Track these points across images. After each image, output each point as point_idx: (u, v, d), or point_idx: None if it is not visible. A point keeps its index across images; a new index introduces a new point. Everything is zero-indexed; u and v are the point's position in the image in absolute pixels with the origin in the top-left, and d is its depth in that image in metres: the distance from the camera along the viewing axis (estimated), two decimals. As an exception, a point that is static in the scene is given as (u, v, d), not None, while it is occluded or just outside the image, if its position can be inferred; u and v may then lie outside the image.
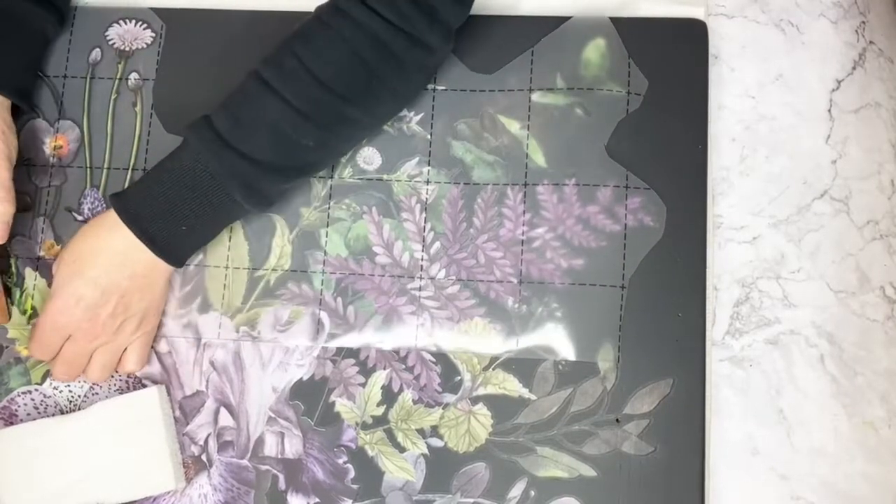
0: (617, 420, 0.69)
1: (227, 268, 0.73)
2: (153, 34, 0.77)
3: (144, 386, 0.72)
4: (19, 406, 0.72)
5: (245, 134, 0.66)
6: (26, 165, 0.75)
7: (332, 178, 0.74)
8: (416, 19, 0.66)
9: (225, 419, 0.71)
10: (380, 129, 0.74)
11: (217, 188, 0.67)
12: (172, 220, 0.67)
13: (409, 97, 0.73)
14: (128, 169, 0.75)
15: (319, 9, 0.68)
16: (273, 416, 0.71)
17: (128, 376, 0.72)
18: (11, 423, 0.71)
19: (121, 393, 0.72)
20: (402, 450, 0.70)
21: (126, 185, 0.74)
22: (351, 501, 0.69)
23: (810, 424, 0.70)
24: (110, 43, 0.77)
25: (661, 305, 0.70)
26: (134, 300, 0.68)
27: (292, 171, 0.69)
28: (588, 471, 0.68)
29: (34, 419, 0.71)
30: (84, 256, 0.67)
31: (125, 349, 0.70)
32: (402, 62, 0.67)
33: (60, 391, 0.72)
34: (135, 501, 0.70)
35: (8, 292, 0.74)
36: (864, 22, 0.75)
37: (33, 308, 0.74)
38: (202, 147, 0.66)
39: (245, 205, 0.68)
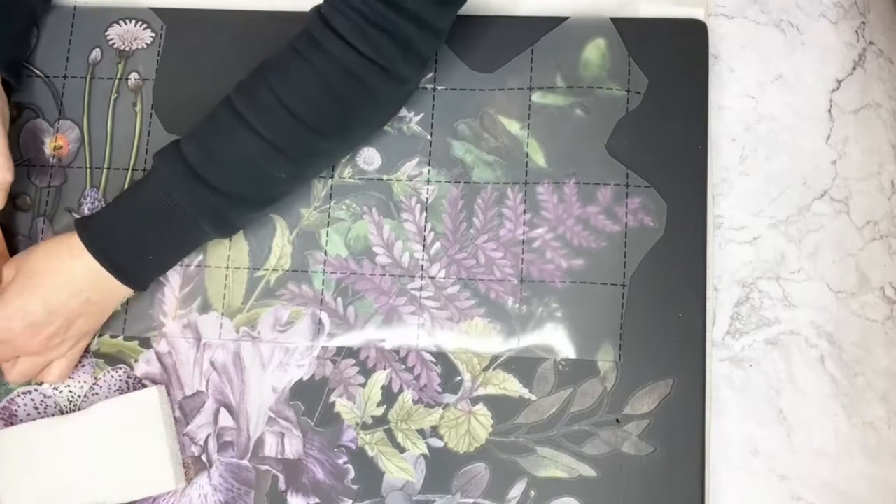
0: (617, 420, 0.69)
1: (227, 268, 0.73)
2: (153, 34, 0.77)
3: (144, 386, 0.72)
4: (19, 406, 0.72)
5: (217, 167, 0.66)
6: (26, 166, 0.75)
7: (332, 178, 0.74)
8: (391, 53, 0.65)
9: (225, 419, 0.71)
10: (350, 154, 0.74)
11: (188, 221, 0.67)
12: (140, 250, 0.67)
13: (381, 125, 0.73)
14: (128, 169, 0.75)
15: (294, 38, 0.67)
16: (273, 416, 0.71)
17: (128, 377, 0.72)
18: (11, 424, 0.71)
19: (121, 393, 0.72)
20: (402, 450, 0.70)
21: (126, 184, 0.75)
22: (351, 502, 0.69)
23: (810, 425, 0.70)
24: (110, 43, 0.77)
25: (661, 306, 0.70)
26: (78, 324, 0.68)
27: (263, 203, 0.70)
28: (588, 471, 0.68)
29: (34, 419, 0.71)
30: (41, 276, 0.67)
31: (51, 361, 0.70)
32: (376, 95, 0.67)
33: (60, 391, 0.72)
34: (135, 502, 0.70)
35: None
36: (864, 22, 0.75)
37: (33, 308, 0.73)
38: (174, 181, 0.66)
39: (213, 234, 0.68)
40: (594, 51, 0.74)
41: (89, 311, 0.68)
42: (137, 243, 0.67)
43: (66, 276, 0.67)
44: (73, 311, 0.67)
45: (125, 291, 0.69)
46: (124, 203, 0.68)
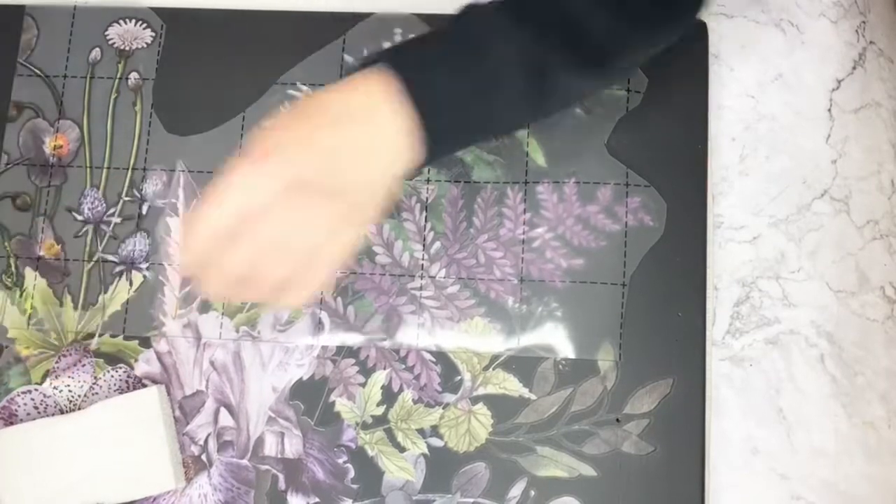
0: (617, 420, 0.69)
1: (227, 267, 0.73)
2: (153, 34, 0.77)
3: (144, 386, 0.72)
4: (19, 406, 0.72)
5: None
6: (26, 165, 0.76)
7: (332, 177, 0.74)
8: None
9: (225, 419, 0.71)
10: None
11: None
12: (452, 104, 0.57)
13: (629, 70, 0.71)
14: (127, 169, 0.75)
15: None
16: (273, 415, 0.71)
17: (128, 376, 0.72)
18: (11, 423, 0.71)
19: (121, 393, 0.72)
20: (402, 449, 0.70)
21: (126, 185, 0.74)
22: (351, 501, 0.69)
23: (810, 424, 0.69)
24: (110, 42, 0.77)
25: (661, 305, 0.70)
26: (344, 169, 0.53)
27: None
28: (588, 470, 0.68)
29: (34, 419, 0.71)
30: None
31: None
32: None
33: (60, 391, 0.72)
34: (135, 501, 0.70)
35: None
36: (864, 21, 0.75)
37: (33, 308, 0.73)
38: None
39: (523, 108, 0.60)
40: (594, 50, 0.74)
41: (354, 148, 0.54)
42: (447, 93, 0.56)
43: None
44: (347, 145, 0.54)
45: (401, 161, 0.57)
46: (430, 44, 0.58)
